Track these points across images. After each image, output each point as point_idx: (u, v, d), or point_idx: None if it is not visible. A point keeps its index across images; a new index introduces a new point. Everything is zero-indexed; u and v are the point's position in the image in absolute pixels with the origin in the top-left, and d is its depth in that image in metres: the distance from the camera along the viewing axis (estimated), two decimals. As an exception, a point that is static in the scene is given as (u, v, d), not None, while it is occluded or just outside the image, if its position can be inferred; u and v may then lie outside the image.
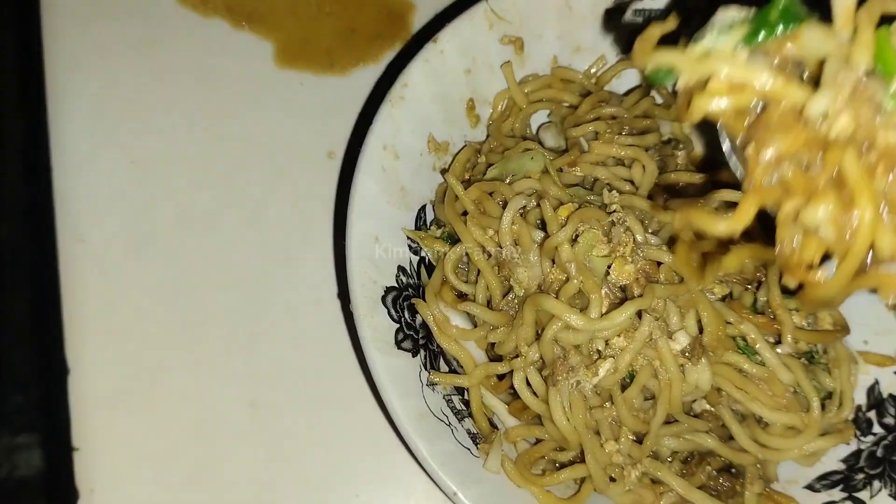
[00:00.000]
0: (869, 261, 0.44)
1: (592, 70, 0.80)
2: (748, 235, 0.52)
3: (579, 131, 0.74)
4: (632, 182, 0.71)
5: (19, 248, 0.76)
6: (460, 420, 0.66)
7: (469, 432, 0.66)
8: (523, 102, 0.77)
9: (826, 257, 0.45)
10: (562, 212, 0.66)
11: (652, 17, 0.78)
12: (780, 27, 0.44)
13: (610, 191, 0.68)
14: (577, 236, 0.64)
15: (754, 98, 0.45)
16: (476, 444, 0.66)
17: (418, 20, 0.89)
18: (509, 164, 0.72)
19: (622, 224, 0.65)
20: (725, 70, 0.44)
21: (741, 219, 0.45)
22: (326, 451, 0.73)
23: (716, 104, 0.44)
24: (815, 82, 0.44)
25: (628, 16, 0.78)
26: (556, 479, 0.65)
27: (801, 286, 0.46)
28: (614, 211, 0.66)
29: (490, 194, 0.69)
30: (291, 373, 0.75)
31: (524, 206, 0.67)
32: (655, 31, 0.47)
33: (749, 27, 0.45)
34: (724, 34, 0.45)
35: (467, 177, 0.74)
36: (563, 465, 0.66)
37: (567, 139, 0.76)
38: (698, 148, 0.78)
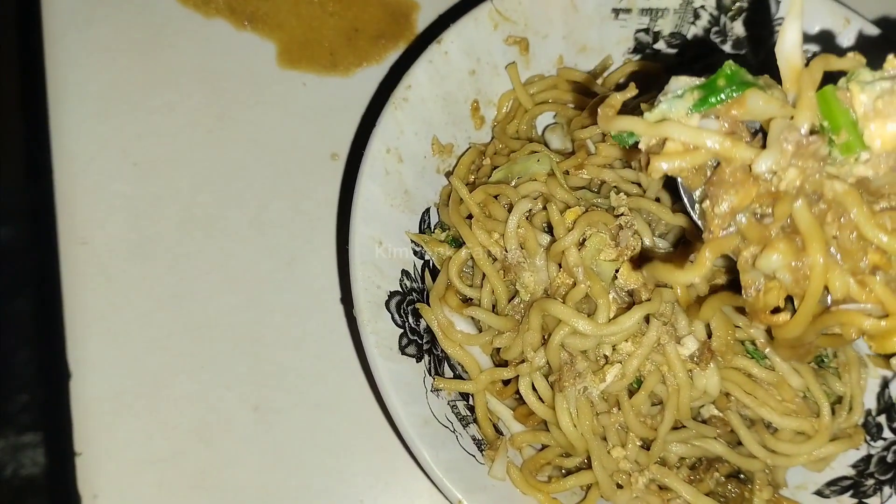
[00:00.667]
0: (830, 301, 0.48)
1: (598, 71, 0.79)
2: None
3: (586, 133, 0.73)
4: (639, 184, 0.70)
5: (21, 251, 0.76)
6: (465, 426, 0.66)
7: (474, 438, 0.66)
8: (528, 104, 0.76)
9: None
10: (569, 215, 0.65)
11: (658, 17, 0.77)
12: (726, 93, 0.48)
13: (617, 193, 0.68)
14: (584, 240, 0.64)
15: (707, 157, 0.48)
16: (481, 451, 0.65)
17: (422, 20, 0.89)
18: (515, 166, 0.71)
19: (630, 227, 0.64)
20: (677, 134, 0.48)
21: (699, 268, 0.49)
22: (330, 457, 0.72)
23: (672, 164, 0.49)
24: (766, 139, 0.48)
25: (634, 15, 0.77)
26: (562, 485, 0.64)
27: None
28: (622, 214, 0.65)
29: (495, 197, 0.69)
30: (295, 377, 0.74)
31: (530, 210, 0.67)
32: (617, 98, 0.51)
33: (699, 93, 0.49)
34: (677, 100, 0.49)
35: (472, 179, 0.73)
36: (569, 472, 0.66)
37: (573, 141, 0.75)
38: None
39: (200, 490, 0.70)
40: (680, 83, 0.50)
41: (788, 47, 0.48)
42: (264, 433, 0.72)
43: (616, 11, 0.77)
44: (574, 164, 0.71)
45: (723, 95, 0.48)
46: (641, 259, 0.64)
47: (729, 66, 0.48)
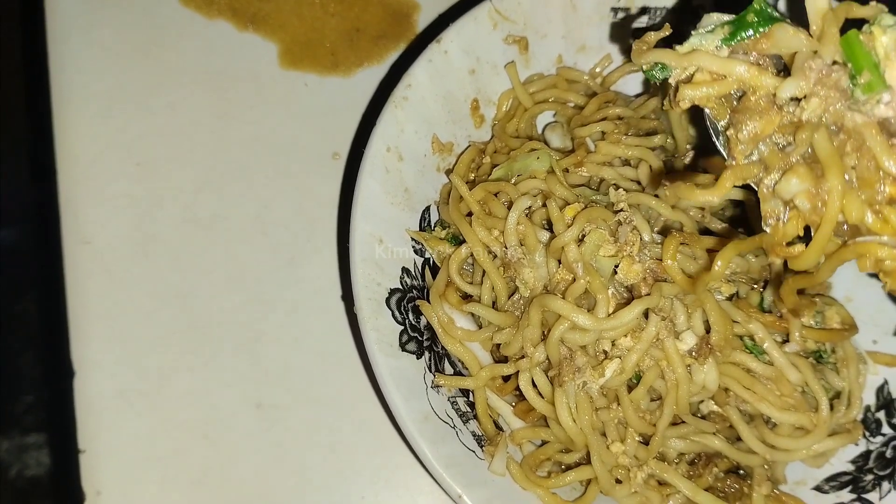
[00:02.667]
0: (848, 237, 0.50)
1: (598, 70, 0.80)
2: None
3: (586, 131, 0.74)
4: (638, 182, 0.71)
5: (25, 251, 0.77)
6: (465, 422, 0.66)
7: (474, 434, 0.66)
8: (528, 103, 0.77)
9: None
10: (568, 212, 0.66)
11: (656, 15, 0.77)
12: (755, 27, 0.51)
13: (616, 189, 0.68)
14: (583, 236, 0.64)
15: (733, 87, 0.52)
16: (481, 447, 0.65)
17: (423, 19, 0.89)
18: (515, 164, 0.71)
19: (629, 223, 0.64)
20: (707, 63, 0.51)
21: (720, 189, 0.51)
22: (332, 453, 0.72)
23: (700, 92, 0.52)
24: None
25: (633, 14, 0.77)
26: (561, 481, 0.64)
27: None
28: (621, 210, 0.65)
29: (495, 195, 0.69)
30: (296, 374, 0.75)
31: (530, 207, 0.67)
32: (651, 36, 0.55)
33: (730, 28, 0.52)
34: (708, 35, 0.53)
35: (472, 177, 0.74)
36: (568, 467, 0.66)
37: (573, 139, 0.75)
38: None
39: (203, 486, 0.71)
40: (712, 20, 0.53)
41: None
42: (266, 430, 0.73)
43: (615, 10, 0.77)
44: (574, 161, 0.71)
45: (752, 30, 0.51)
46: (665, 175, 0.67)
47: (758, 2, 0.51)
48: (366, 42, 0.87)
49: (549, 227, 0.66)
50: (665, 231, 0.68)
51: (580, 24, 0.77)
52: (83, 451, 0.71)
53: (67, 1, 0.87)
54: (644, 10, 0.77)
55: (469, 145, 0.75)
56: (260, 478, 0.72)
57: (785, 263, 0.57)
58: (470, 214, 0.69)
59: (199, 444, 0.72)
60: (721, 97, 0.52)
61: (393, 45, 0.88)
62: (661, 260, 0.64)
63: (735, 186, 0.51)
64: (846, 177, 0.48)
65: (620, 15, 0.77)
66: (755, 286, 0.68)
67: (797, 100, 0.50)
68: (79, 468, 0.70)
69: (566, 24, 0.77)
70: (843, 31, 0.49)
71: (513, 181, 0.70)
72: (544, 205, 0.67)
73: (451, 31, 0.72)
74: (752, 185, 0.51)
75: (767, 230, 0.51)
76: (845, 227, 0.50)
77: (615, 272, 0.64)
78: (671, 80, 0.53)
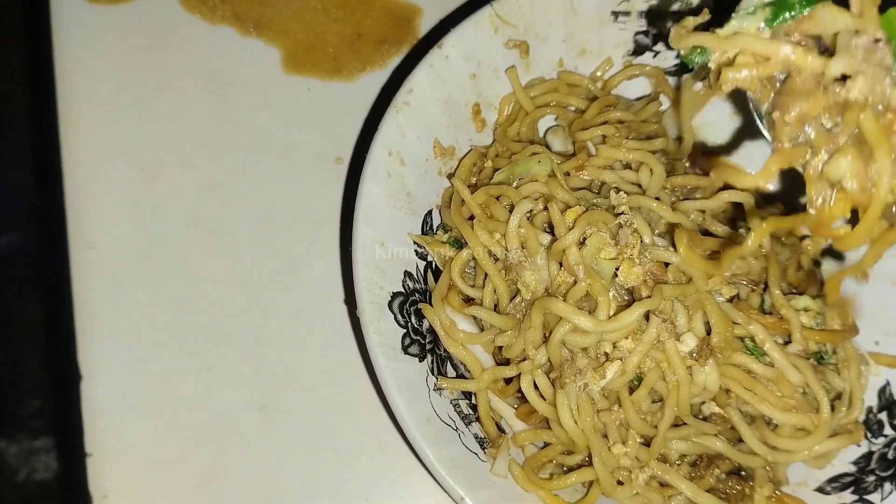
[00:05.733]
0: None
1: (598, 73, 0.80)
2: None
3: (587, 135, 0.74)
4: (639, 186, 0.71)
5: (31, 255, 0.77)
6: (468, 424, 0.67)
7: (476, 437, 0.66)
8: (529, 107, 0.77)
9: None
10: (569, 215, 0.66)
11: (658, 19, 0.77)
12: (797, 8, 0.51)
13: (617, 192, 0.68)
14: (584, 239, 0.64)
15: (778, 68, 0.51)
16: (483, 449, 0.66)
17: (425, 24, 0.89)
18: (516, 167, 0.72)
19: (629, 226, 0.65)
20: (751, 45, 0.50)
21: (766, 174, 0.50)
22: (335, 456, 0.73)
23: (743, 74, 0.51)
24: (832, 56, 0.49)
25: (633, 17, 0.77)
26: (563, 482, 0.64)
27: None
28: (622, 213, 0.66)
29: (497, 198, 0.69)
30: (300, 378, 0.75)
31: (531, 210, 0.68)
32: (690, 20, 0.54)
33: (771, 10, 0.51)
34: (749, 17, 0.52)
35: (474, 181, 0.74)
36: (570, 469, 0.66)
37: (574, 143, 0.76)
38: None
39: (207, 489, 0.71)
40: (751, 1, 0.52)
41: None
42: (270, 433, 0.73)
43: (615, 14, 0.77)
44: (575, 165, 0.72)
45: (794, 11, 0.51)
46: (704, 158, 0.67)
47: None
48: (368, 47, 0.88)
49: (551, 230, 0.67)
50: (664, 234, 0.68)
51: (581, 27, 0.77)
52: (90, 454, 0.72)
53: (72, 6, 0.87)
54: (645, 14, 0.77)
55: (471, 149, 0.76)
56: (264, 480, 0.72)
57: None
58: (472, 218, 0.69)
59: (204, 447, 0.72)
60: (764, 79, 0.51)
61: (395, 49, 0.88)
62: (661, 262, 0.64)
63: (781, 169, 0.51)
64: (894, 156, 0.48)
65: (621, 19, 0.78)
66: (755, 288, 0.68)
67: (842, 81, 0.49)
68: (86, 472, 0.71)
69: (567, 28, 0.77)
70: (882, 10, 0.49)
71: (514, 185, 0.70)
72: (545, 208, 0.67)
73: (452, 36, 0.72)
74: (798, 168, 0.51)
75: (812, 212, 0.51)
76: (894, 209, 0.50)
77: (616, 275, 0.64)
78: (711, 64, 0.52)
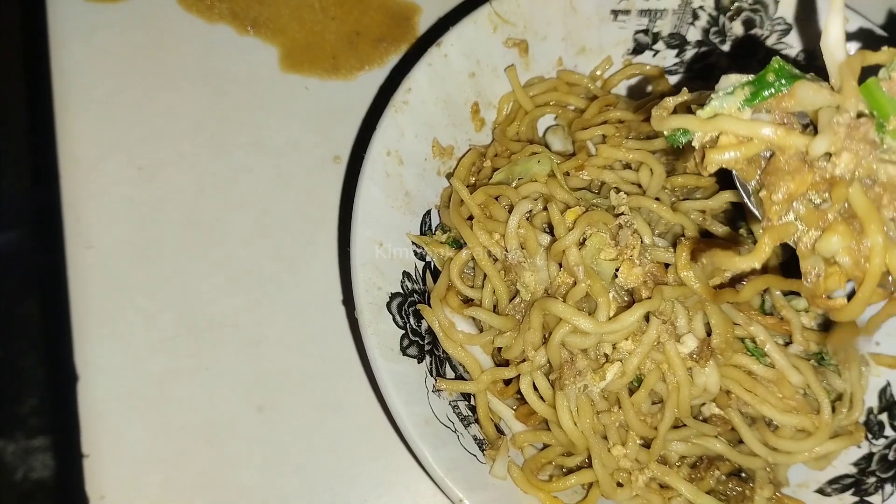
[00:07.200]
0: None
1: (598, 72, 0.80)
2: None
3: (587, 134, 0.74)
4: (639, 186, 0.71)
5: (28, 255, 0.77)
6: (466, 426, 0.66)
7: (475, 438, 0.66)
8: (529, 106, 0.77)
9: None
10: (569, 215, 0.66)
11: (656, 17, 0.77)
12: (776, 86, 0.50)
13: (617, 192, 0.68)
14: (584, 240, 0.64)
15: (761, 148, 0.51)
16: (482, 450, 0.66)
17: (424, 22, 0.89)
18: (515, 167, 0.71)
19: (629, 227, 0.64)
20: (732, 127, 0.50)
21: (760, 255, 0.50)
22: (334, 457, 0.73)
23: (727, 156, 0.51)
24: (816, 131, 0.50)
25: (633, 16, 0.77)
26: (563, 484, 0.64)
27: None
28: (622, 213, 0.65)
29: (496, 198, 0.69)
30: (298, 378, 0.75)
31: (530, 210, 0.67)
32: (670, 101, 0.55)
33: (750, 89, 0.51)
34: (728, 97, 0.51)
35: (473, 181, 0.74)
36: (570, 471, 0.66)
37: (574, 142, 0.75)
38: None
39: (205, 490, 0.71)
40: (730, 81, 0.52)
41: (832, 42, 0.50)
42: (268, 434, 0.73)
43: (615, 13, 0.77)
44: (574, 165, 0.71)
45: (773, 89, 0.50)
46: (697, 249, 0.65)
47: (777, 61, 0.51)
48: (366, 45, 0.87)
49: (550, 230, 0.67)
50: (664, 234, 0.68)
51: (580, 26, 0.77)
52: (87, 455, 0.71)
53: (69, 5, 0.87)
54: (644, 13, 0.77)
55: (470, 149, 0.75)
56: (262, 481, 0.72)
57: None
58: (471, 218, 0.69)
59: (202, 448, 0.72)
60: (749, 159, 0.51)
61: (394, 48, 0.88)
62: (662, 263, 0.64)
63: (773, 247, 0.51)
64: (886, 229, 0.48)
65: (621, 17, 0.77)
66: (756, 289, 0.68)
67: (828, 155, 0.49)
68: (82, 472, 0.71)
69: (566, 26, 0.77)
70: (862, 79, 0.49)
71: (514, 185, 0.70)
72: (545, 208, 0.67)
73: (451, 34, 0.72)
74: (791, 243, 0.51)
75: (808, 285, 0.51)
76: (889, 278, 0.49)
77: (616, 275, 0.64)
78: (695, 144, 0.52)
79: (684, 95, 0.56)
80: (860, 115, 0.49)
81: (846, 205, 0.48)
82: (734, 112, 0.51)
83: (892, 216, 0.48)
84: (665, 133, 0.53)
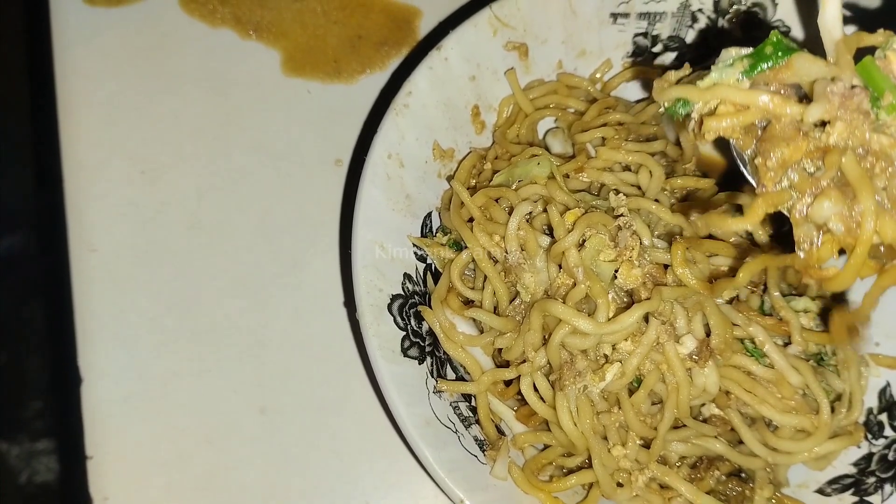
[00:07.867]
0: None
1: (598, 75, 0.80)
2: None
3: (587, 137, 0.74)
4: (638, 187, 0.71)
5: (31, 258, 0.77)
6: (467, 427, 0.67)
7: (476, 439, 0.66)
8: (529, 108, 0.77)
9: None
10: (568, 217, 0.66)
11: (656, 20, 0.78)
12: (774, 58, 0.52)
13: (617, 194, 0.68)
14: (583, 241, 0.64)
15: (757, 116, 0.52)
16: (483, 451, 0.66)
17: (425, 25, 0.90)
18: (515, 169, 0.72)
19: (629, 228, 0.65)
20: (731, 95, 0.52)
21: (753, 217, 0.51)
22: (335, 458, 0.73)
23: (725, 124, 0.52)
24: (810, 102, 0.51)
25: (632, 19, 0.77)
26: (563, 485, 0.64)
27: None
28: (621, 215, 0.66)
29: (496, 200, 0.69)
30: (300, 380, 0.75)
31: (530, 212, 0.68)
32: (672, 74, 0.57)
33: (748, 61, 0.53)
34: (727, 69, 0.53)
35: (473, 183, 0.74)
36: (570, 471, 0.66)
37: (574, 145, 0.76)
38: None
39: (208, 491, 0.71)
40: (730, 54, 0.54)
41: (829, 20, 0.52)
42: (270, 435, 0.73)
43: (614, 16, 0.77)
44: (574, 167, 0.72)
45: (771, 62, 0.52)
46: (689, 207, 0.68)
47: (775, 34, 0.52)
48: (368, 49, 0.88)
49: (550, 232, 0.67)
50: (664, 236, 0.68)
51: (580, 29, 0.77)
52: (90, 457, 0.72)
53: (72, 9, 0.87)
54: (644, 16, 0.77)
55: (470, 151, 0.76)
56: (264, 482, 0.72)
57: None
58: (471, 220, 0.69)
59: (204, 450, 0.73)
60: (745, 127, 0.53)
61: (395, 51, 0.88)
62: (661, 264, 0.64)
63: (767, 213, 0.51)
64: (878, 198, 0.49)
65: (620, 20, 0.78)
66: (755, 289, 0.68)
67: (822, 126, 0.50)
68: (86, 474, 0.71)
69: (566, 29, 0.77)
70: (857, 59, 0.50)
71: (514, 187, 0.70)
72: (545, 210, 0.67)
73: (451, 38, 0.72)
74: (784, 211, 0.52)
75: (801, 255, 0.52)
76: (882, 248, 0.50)
77: (615, 277, 0.64)
78: (693, 115, 0.54)
79: (686, 70, 0.57)
80: (854, 87, 0.49)
81: (839, 173, 0.49)
82: (733, 83, 0.53)
83: (883, 185, 0.49)
84: (665, 105, 0.55)
